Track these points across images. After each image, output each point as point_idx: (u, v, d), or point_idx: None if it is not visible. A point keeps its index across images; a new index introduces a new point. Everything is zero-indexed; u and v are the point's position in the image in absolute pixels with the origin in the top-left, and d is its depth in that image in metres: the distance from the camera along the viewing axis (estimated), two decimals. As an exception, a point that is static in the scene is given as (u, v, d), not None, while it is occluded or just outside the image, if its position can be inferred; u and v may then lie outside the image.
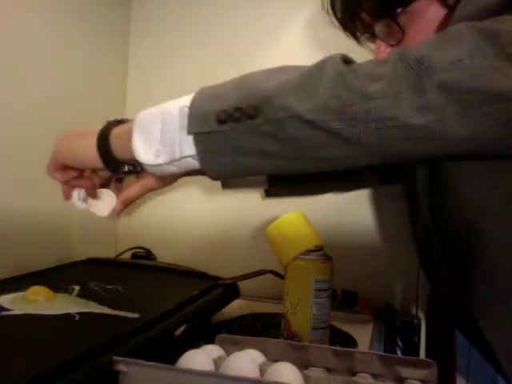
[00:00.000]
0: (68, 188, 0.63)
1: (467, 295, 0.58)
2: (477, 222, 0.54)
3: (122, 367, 0.47)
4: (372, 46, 0.70)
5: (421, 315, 0.97)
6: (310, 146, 0.48)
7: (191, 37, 1.14)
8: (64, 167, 0.60)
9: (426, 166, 0.57)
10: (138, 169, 0.58)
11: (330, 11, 0.70)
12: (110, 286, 0.76)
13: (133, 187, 0.61)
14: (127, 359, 0.47)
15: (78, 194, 0.64)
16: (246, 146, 0.49)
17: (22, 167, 0.88)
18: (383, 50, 0.65)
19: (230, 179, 0.77)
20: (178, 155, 0.51)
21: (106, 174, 0.64)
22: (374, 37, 0.67)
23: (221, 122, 0.48)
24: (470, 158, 0.51)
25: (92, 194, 0.64)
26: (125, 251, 1.10)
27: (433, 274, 0.73)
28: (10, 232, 0.86)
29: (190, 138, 0.50)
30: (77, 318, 0.62)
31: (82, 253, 0.96)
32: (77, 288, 0.74)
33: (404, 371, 0.52)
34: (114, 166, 0.57)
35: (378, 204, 1.01)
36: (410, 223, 0.78)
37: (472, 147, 0.47)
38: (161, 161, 0.52)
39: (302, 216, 0.72)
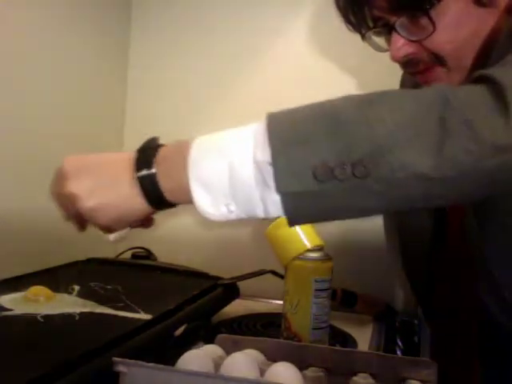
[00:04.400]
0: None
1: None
2: None
3: (121, 368, 0.46)
4: (378, 40, 0.66)
5: (421, 315, 0.97)
6: (421, 200, 0.43)
7: (192, 35, 1.14)
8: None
9: None
10: None
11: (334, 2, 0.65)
12: (109, 286, 0.76)
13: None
14: (127, 360, 0.46)
15: None
16: (348, 204, 0.43)
17: (22, 167, 0.88)
18: (401, 45, 0.61)
19: None
20: (261, 214, 0.45)
21: None
22: (388, 31, 0.62)
23: (319, 180, 0.40)
24: None
25: None
26: (125, 251, 1.10)
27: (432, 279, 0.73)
28: (10, 232, 0.86)
29: (277, 196, 0.42)
30: (77, 317, 0.62)
31: (82, 253, 0.96)
32: (77, 288, 0.74)
33: (404, 371, 0.52)
34: (167, 209, 0.49)
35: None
36: (403, 252, 0.77)
37: None
38: (233, 217, 0.45)
39: (301, 216, 0.72)
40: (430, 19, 0.58)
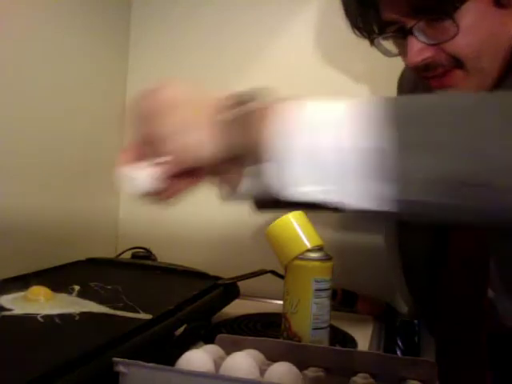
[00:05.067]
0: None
1: None
2: None
3: (121, 368, 0.46)
4: (386, 44, 0.66)
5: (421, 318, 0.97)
6: None
7: (191, 36, 1.14)
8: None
9: None
10: None
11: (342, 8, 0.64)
12: (109, 286, 0.76)
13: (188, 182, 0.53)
14: (127, 360, 0.46)
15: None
16: (458, 212, 0.39)
17: (23, 166, 0.88)
18: (419, 50, 0.60)
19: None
20: (367, 205, 0.39)
21: None
22: (403, 36, 0.61)
23: (442, 193, 0.37)
24: None
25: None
26: (125, 251, 1.10)
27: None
28: (10, 232, 0.86)
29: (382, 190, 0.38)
30: (77, 318, 0.62)
31: (82, 253, 0.96)
32: (77, 288, 0.74)
33: (404, 371, 0.52)
34: (230, 163, 0.45)
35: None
36: (407, 276, 0.77)
37: None
38: (321, 197, 0.39)
39: (302, 216, 0.72)
40: (455, 22, 0.57)
